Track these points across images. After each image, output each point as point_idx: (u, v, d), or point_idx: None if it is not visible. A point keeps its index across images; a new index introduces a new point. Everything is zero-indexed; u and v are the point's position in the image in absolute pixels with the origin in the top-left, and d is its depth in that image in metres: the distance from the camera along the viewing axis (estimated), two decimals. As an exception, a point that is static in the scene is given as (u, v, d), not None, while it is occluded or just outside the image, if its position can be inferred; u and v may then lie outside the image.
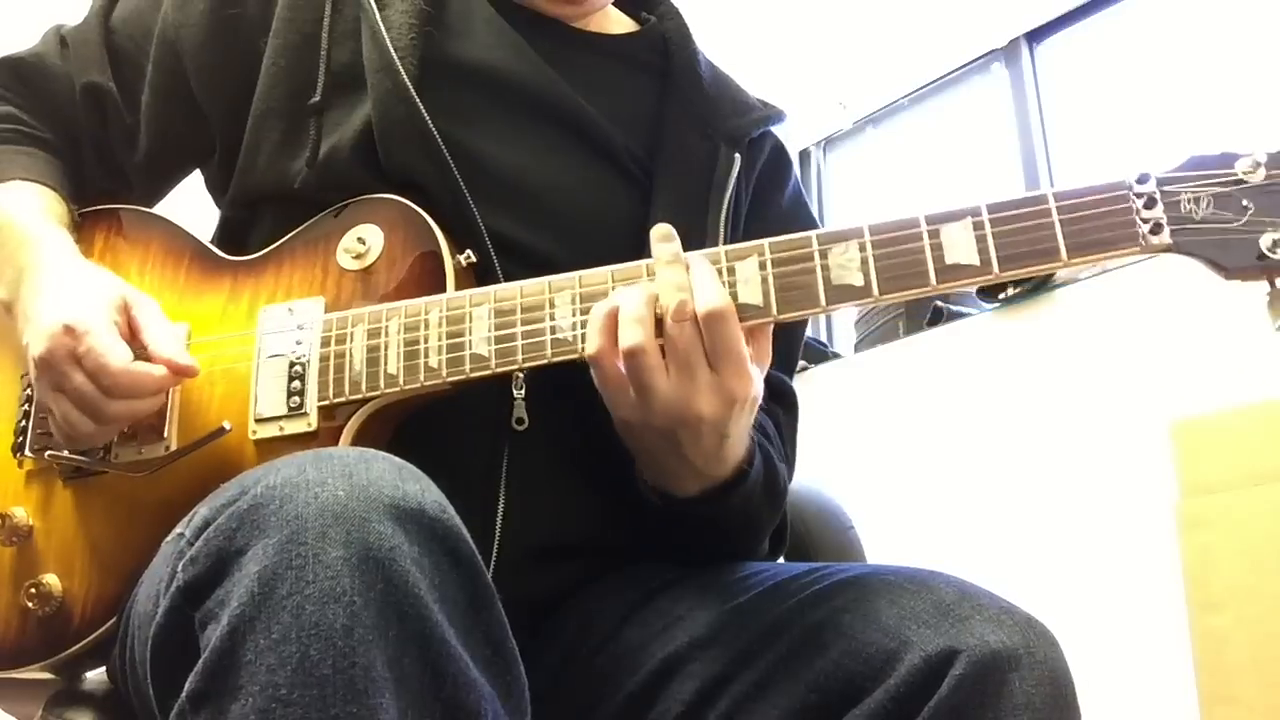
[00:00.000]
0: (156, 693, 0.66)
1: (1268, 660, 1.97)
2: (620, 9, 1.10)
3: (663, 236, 0.80)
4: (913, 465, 2.86)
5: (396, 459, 0.65)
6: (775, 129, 1.08)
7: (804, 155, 3.78)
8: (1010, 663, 0.69)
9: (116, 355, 0.81)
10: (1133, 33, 2.94)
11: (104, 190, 1.04)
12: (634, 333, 0.76)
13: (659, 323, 0.77)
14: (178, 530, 0.68)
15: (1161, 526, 2.22)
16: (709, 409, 0.77)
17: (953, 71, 3.36)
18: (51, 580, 0.86)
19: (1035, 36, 3.18)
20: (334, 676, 0.55)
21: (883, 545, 1.32)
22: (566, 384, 0.88)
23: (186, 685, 0.59)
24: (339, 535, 0.58)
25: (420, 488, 0.63)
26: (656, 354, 0.77)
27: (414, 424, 0.86)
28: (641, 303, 0.77)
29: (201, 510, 0.65)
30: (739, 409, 0.79)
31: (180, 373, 0.83)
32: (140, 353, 0.83)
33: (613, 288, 0.80)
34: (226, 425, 0.83)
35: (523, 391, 0.87)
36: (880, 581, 0.77)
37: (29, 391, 0.92)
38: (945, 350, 2.86)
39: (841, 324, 3.48)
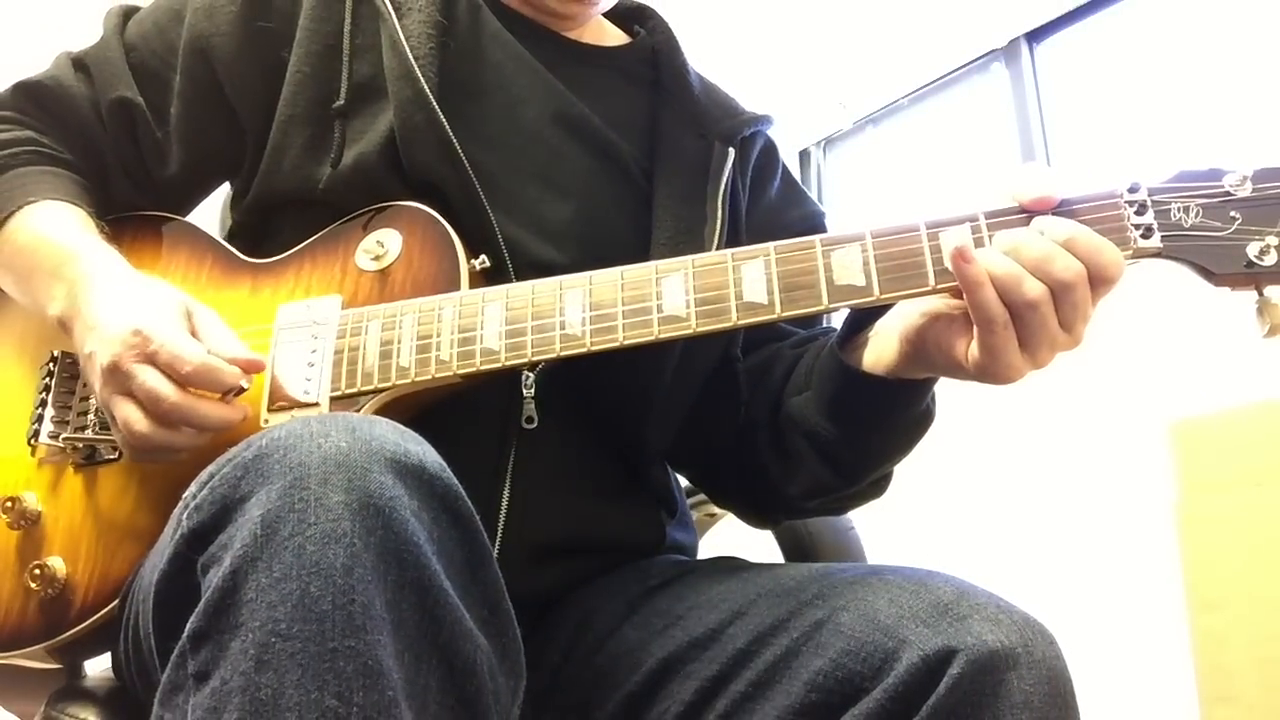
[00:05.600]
0: (158, 643, 0.67)
1: (1268, 660, 1.97)
2: (613, 22, 1.13)
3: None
4: (913, 465, 2.87)
5: (400, 425, 0.66)
6: (769, 132, 1.11)
7: (804, 155, 3.78)
8: (1008, 662, 0.69)
9: (191, 349, 0.81)
10: (1133, 33, 2.94)
11: (131, 206, 1.04)
12: (1033, 286, 0.73)
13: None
14: (187, 492, 0.68)
15: (1161, 526, 2.22)
16: (1044, 364, 0.76)
17: (953, 71, 3.36)
18: (56, 563, 0.87)
19: (1035, 36, 3.18)
20: (333, 612, 0.56)
21: (883, 545, 1.32)
22: (576, 384, 0.90)
23: (187, 626, 0.60)
24: (341, 481, 0.59)
25: (421, 449, 0.64)
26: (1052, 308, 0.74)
27: (424, 419, 0.86)
28: (1019, 266, 0.73)
29: (209, 467, 0.66)
30: None
31: (250, 368, 0.83)
32: None
33: (622, 284, 0.82)
34: (244, 383, 0.82)
35: (532, 391, 0.88)
36: (879, 581, 0.78)
37: (48, 380, 0.94)
38: (945, 350, 2.86)
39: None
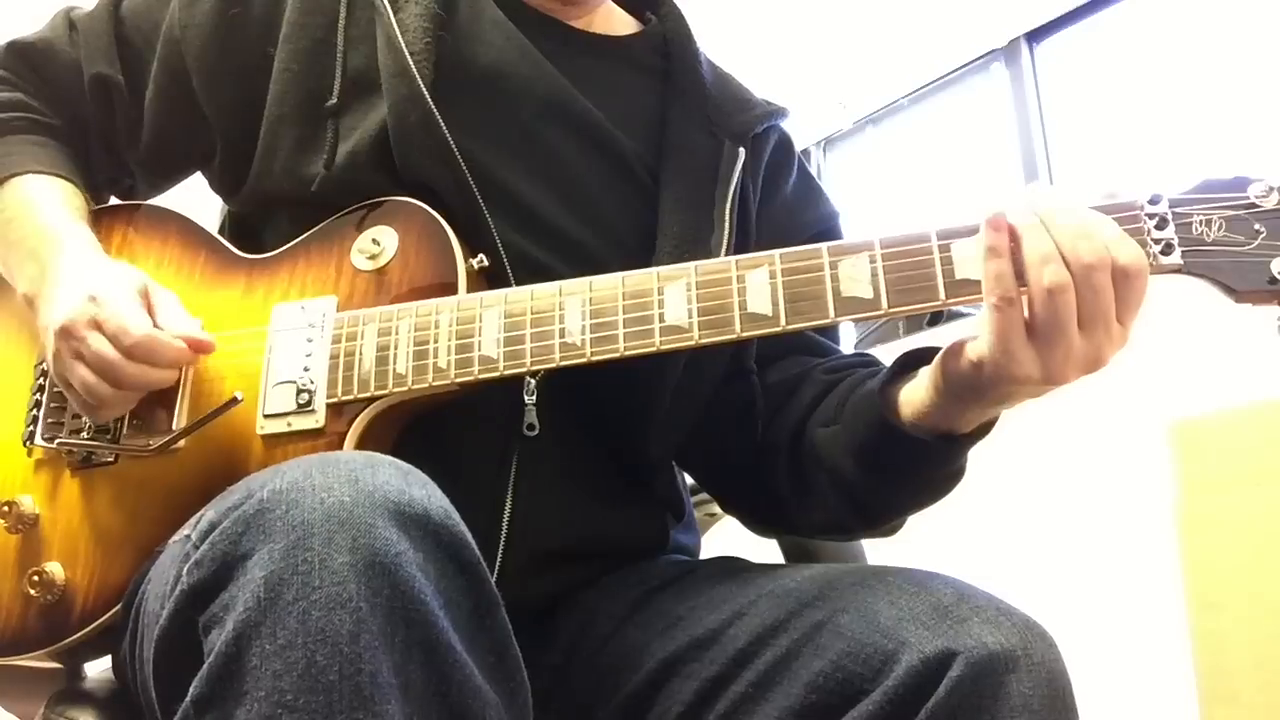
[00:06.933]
0: (160, 696, 0.66)
1: (1268, 660, 1.97)
2: (623, 8, 1.10)
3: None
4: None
5: (403, 464, 0.65)
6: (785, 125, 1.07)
7: (804, 155, 3.77)
8: (1007, 664, 0.69)
9: (138, 320, 0.83)
10: (1133, 33, 2.94)
11: (110, 179, 1.05)
12: (1057, 270, 0.70)
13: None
14: (184, 532, 0.68)
15: (1161, 526, 2.22)
16: (1075, 373, 0.73)
17: (953, 71, 3.36)
18: (55, 569, 0.86)
19: (1035, 36, 3.18)
20: (340, 683, 0.55)
21: (883, 546, 1.32)
22: (578, 390, 0.89)
23: (191, 690, 0.59)
24: (345, 541, 0.58)
25: (425, 493, 0.63)
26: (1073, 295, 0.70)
27: (425, 426, 0.86)
28: (1052, 243, 0.70)
29: (208, 513, 0.65)
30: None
31: (198, 349, 0.85)
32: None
33: (623, 292, 0.80)
34: (239, 395, 0.83)
35: (534, 397, 0.87)
36: (879, 582, 0.77)
37: (42, 381, 0.94)
38: (945, 350, 2.86)
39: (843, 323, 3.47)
